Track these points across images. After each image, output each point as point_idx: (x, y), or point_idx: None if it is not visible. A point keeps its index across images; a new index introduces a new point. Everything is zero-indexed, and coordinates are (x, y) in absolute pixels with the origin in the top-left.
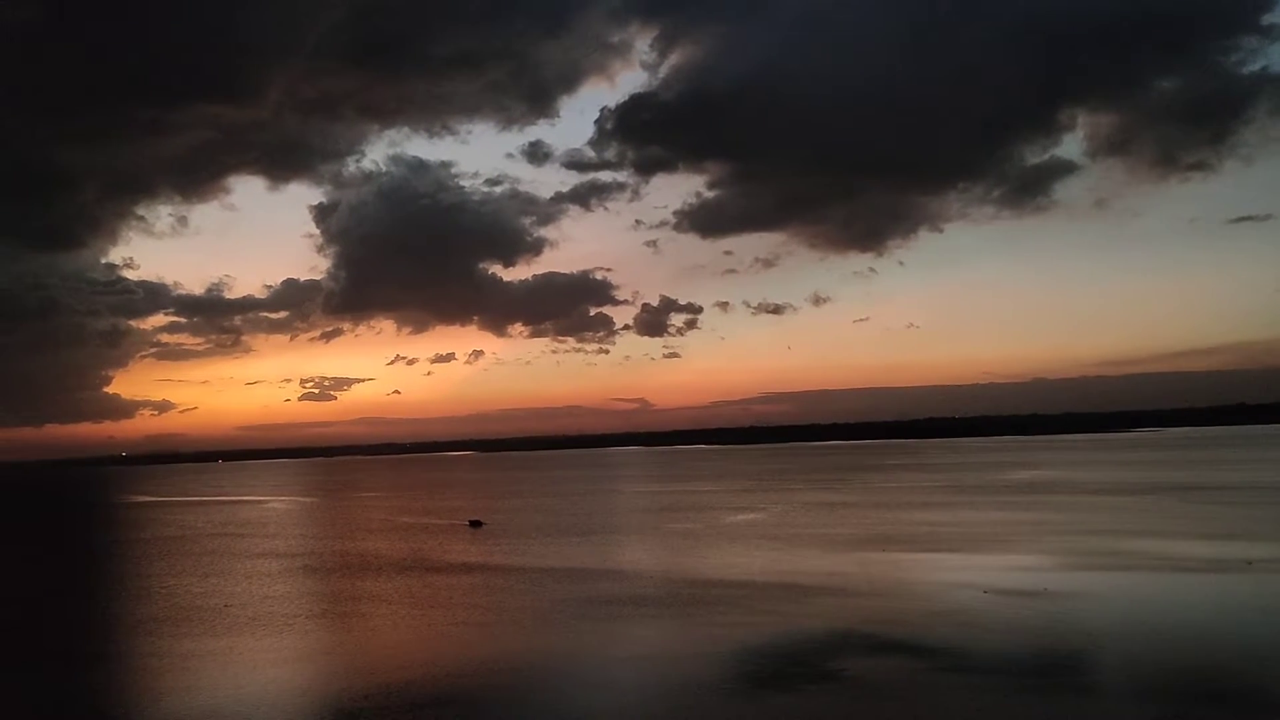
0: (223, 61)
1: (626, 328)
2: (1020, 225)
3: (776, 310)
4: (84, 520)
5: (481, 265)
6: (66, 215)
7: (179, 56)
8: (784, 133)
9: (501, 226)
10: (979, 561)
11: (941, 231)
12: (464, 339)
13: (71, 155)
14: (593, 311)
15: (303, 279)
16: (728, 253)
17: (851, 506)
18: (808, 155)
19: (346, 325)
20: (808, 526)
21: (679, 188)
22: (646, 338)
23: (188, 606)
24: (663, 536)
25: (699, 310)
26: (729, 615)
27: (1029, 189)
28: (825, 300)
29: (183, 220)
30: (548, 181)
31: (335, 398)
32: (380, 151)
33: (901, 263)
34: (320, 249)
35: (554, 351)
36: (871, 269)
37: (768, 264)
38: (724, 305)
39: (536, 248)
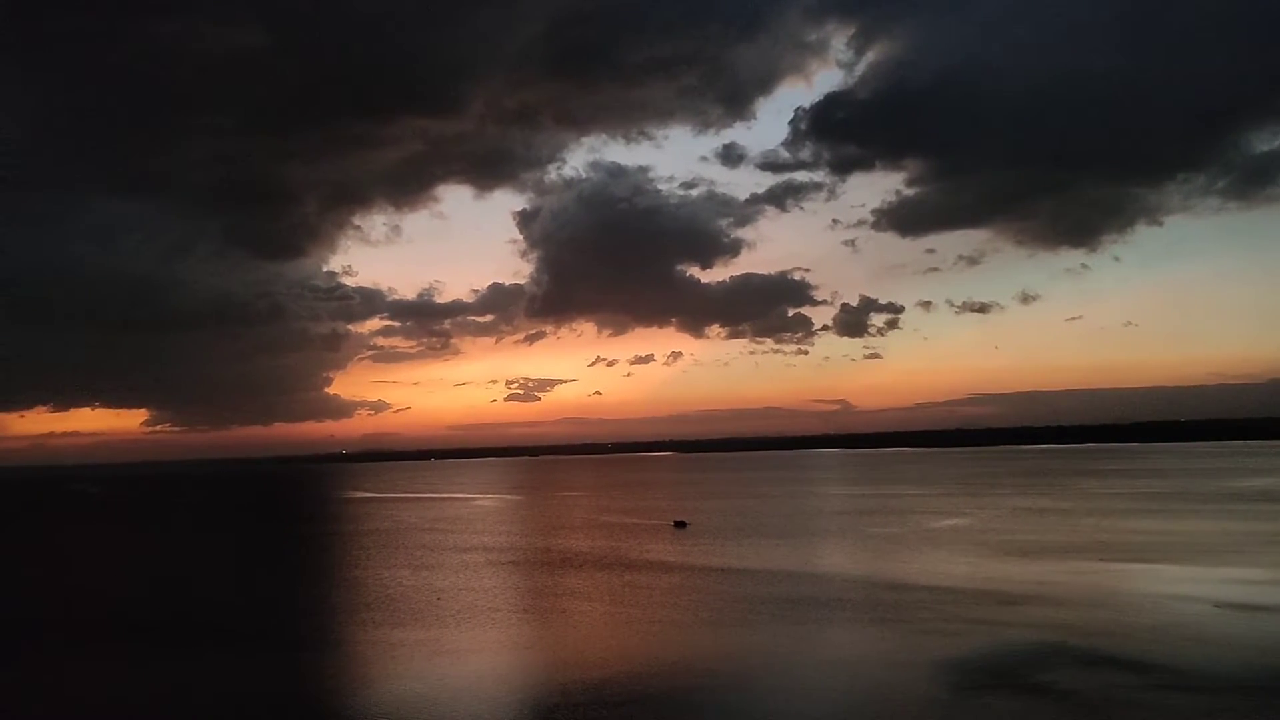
0: (428, 78)
1: (825, 328)
2: (1248, 217)
3: (982, 309)
4: (308, 514)
5: (679, 267)
6: (290, 227)
7: (388, 75)
8: (986, 126)
9: (698, 229)
10: (1207, 574)
11: (1161, 225)
12: (663, 340)
13: (294, 171)
14: (791, 312)
15: (507, 283)
16: (930, 251)
17: (1064, 513)
18: (1012, 149)
19: (549, 328)
20: (1017, 533)
21: (877, 186)
22: (846, 338)
23: (400, 598)
24: (864, 540)
25: (900, 310)
26: (932, 622)
27: (1257, 178)
28: (1034, 298)
29: (396, 229)
30: (743, 183)
31: (539, 398)
32: (579, 158)
33: (1117, 258)
34: (523, 254)
35: (752, 353)
36: (1084, 265)
37: (972, 262)
38: (926, 305)
39: (733, 249)
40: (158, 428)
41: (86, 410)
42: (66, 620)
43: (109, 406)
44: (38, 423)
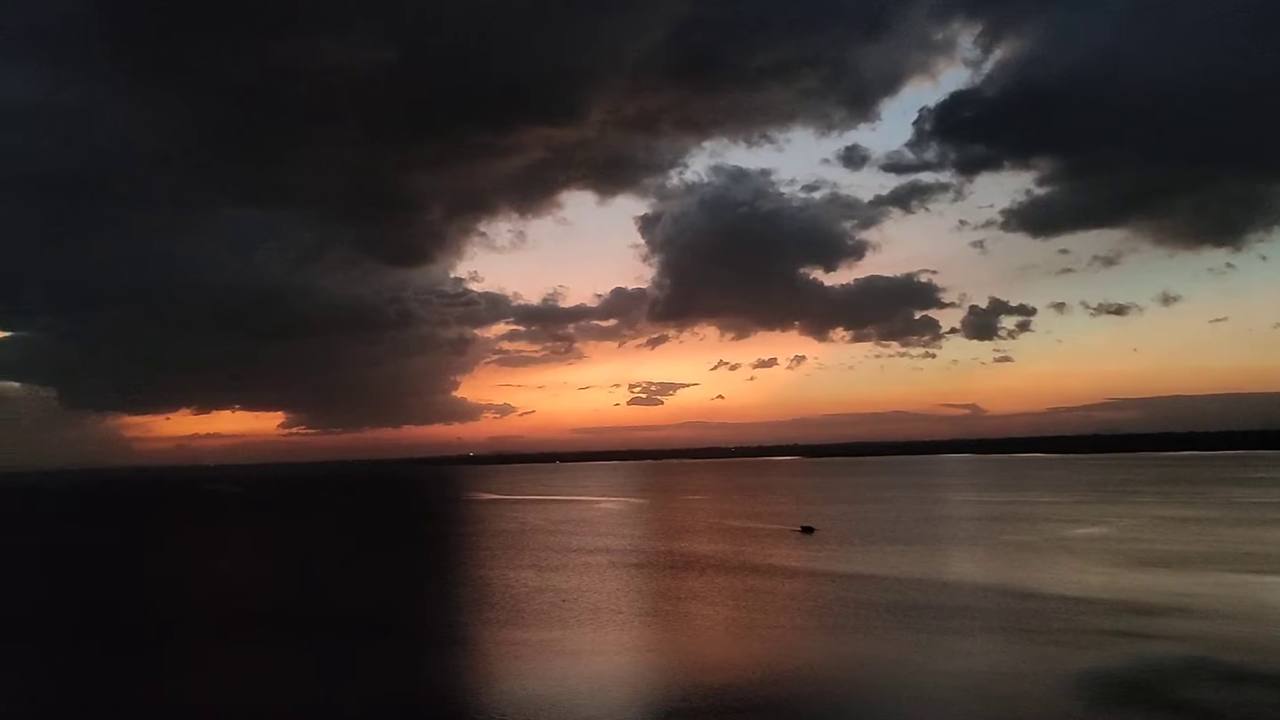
0: (550, 87)
1: (954, 331)
2: None
3: (1119, 311)
4: (436, 514)
5: (802, 270)
6: (418, 234)
7: (510, 85)
8: (1121, 123)
9: (821, 231)
10: None
11: None
12: (785, 344)
13: (420, 180)
14: (917, 315)
15: (630, 288)
16: (1063, 251)
17: (1208, 522)
18: (1149, 146)
19: (671, 331)
20: (1157, 542)
21: (1005, 186)
22: (975, 341)
23: (525, 598)
24: (995, 548)
25: (1032, 312)
26: (1066, 634)
27: None
28: (1175, 299)
29: (520, 235)
30: (866, 185)
31: (661, 402)
32: (701, 162)
33: (1264, 257)
34: (645, 258)
35: (877, 356)
36: (1229, 265)
37: (1108, 262)
38: (1060, 306)
39: (857, 251)
40: (293, 430)
41: (227, 413)
42: (212, 610)
43: (248, 409)
44: (182, 425)
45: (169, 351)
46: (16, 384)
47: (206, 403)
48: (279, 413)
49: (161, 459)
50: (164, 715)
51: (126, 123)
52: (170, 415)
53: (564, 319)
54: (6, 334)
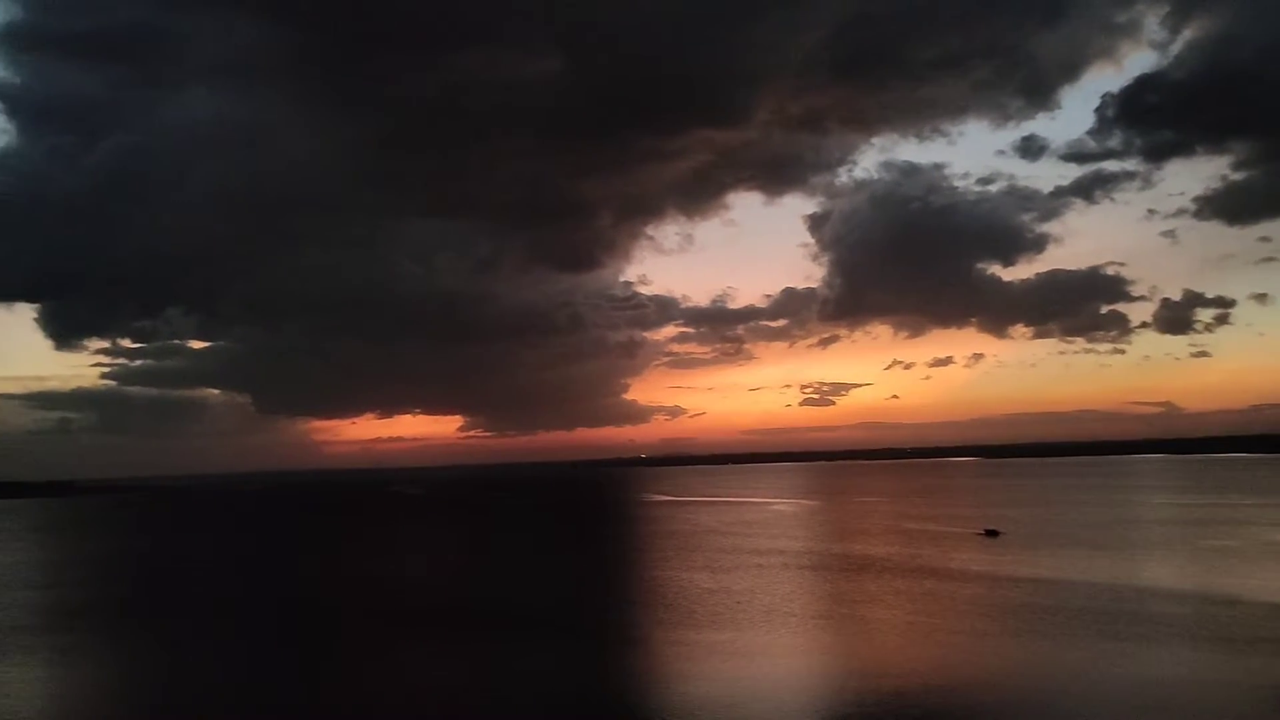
0: (714, 90)
1: (1144, 325)
2: None
3: None
4: (610, 515)
5: (979, 266)
6: (588, 240)
7: (676, 90)
8: None
9: (998, 225)
10: None
11: None
12: (962, 342)
13: (590, 187)
14: (1104, 309)
15: (800, 287)
16: (1264, 239)
17: None
18: None
19: (843, 331)
20: None
21: (1198, 172)
22: (1168, 336)
23: (697, 598)
24: (1193, 552)
25: (1231, 304)
26: (1273, 644)
27: None
28: None
29: (688, 238)
30: (1045, 176)
31: (834, 403)
32: (870, 159)
33: None
34: (815, 257)
35: (1061, 353)
36: None
37: None
38: (1262, 298)
39: (1038, 245)
40: (471, 433)
41: (408, 417)
42: (396, 606)
43: (428, 413)
44: (366, 429)
45: (354, 358)
46: (216, 391)
47: (390, 407)
48: (457, 416)
49: (348, 462)
50: (352, 706)
51: (315, 141)
52: (356, 420)
53: (733, 320)
54: (206, 344)
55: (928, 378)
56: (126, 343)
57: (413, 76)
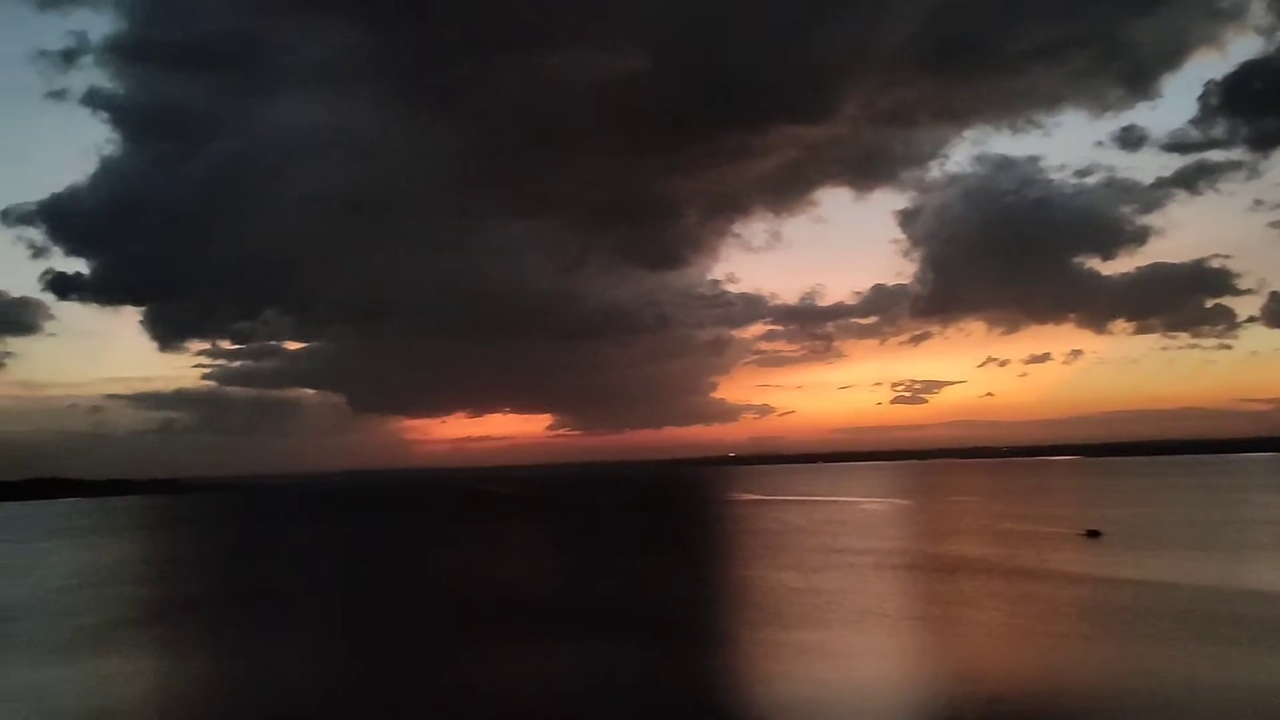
0: (801, 85)
1: (1252, 320)
2: None
3: None
4: (698, 514)
5: (1076, 259)
6: (674, 238)
7: (761, 86)
8: None
9: (1096, 218)
10: None
11: None
12: (1060, 338)
13: (676, 184)
14: (1209, 303)
15: (890, 284)
16: None
17: None
18: None
19: (935, 328)
20: None
21: None
22: (1278, 330)
23: (787, 598)
24: None
25: None
26: None
27: None
28: None
29: (776, 235)
30: (1146, 167)
31: (926, 401)
32: (963, 152)
33: None
34: (906, 253)
35: (1164, 349)
36: None
37: None
38: None
39: (1139, 237)
40: (560, 432)
41: (498, 416)
42: (485, 605)
43: (517, 412)
44: (457, 428)
45: (445, 358)
46: (311, 391)
47: (479, 407)
48: (546, 415)
49: (439, 460)
50: (444, 701)
51: (407, 145)
52: (446, 419)
53: (822, 318)
54: (302, 345)
55: (1024, 375)
56: (226, 344)
57: (501, 79)
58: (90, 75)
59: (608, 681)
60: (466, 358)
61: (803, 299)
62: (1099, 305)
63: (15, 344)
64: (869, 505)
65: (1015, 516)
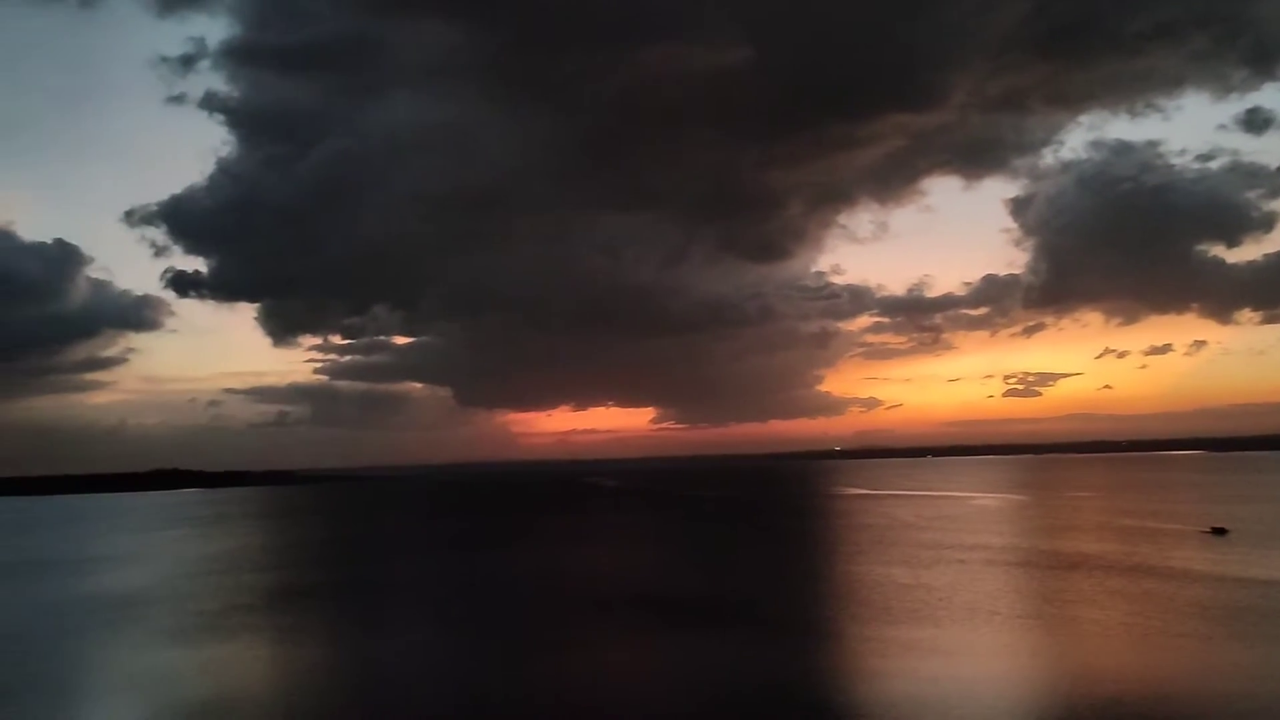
0: (907, 74)
1: None
2: None
3: None
4: (804, 509)
5: (1199, 247)
6: (778, 230)
7: (866, 75)
8: None
9: (1220, 204)
10: None
11: None
12: (1182, 328)
13: (779, 176)
14: None
15: (1001, 274)
16: None
17: None
18: None
19: (1049, 319)
20: None
21: None
22: None
23: (895, 594)
24: None
25: None
26: None
27: None
28: None
29: (882, 225)
30: (1272, 150)
31: (1040, 393)
32: (1078, 138)
33: None
34: (1018, 242)
35: None
36: None
37: None
38: None
39: (1266, 224)
40: (663, 425)
41: (602, 409)
42: (591, 595)
43: (621, 406)
44: (561, 421)
45: (549, 352)
46: (419, 385)
47: (584, 400)
48: (650, 408)
49: (544, 453)
50: (551, 689)
51: (510, 141)
52: (551, 412)
53: (930, 309)
54: (409, 339)
55: (1144, 366)
56: (337, 339)
57: (604, 73)
58: (207, 79)
59: (716, 673)
60: (570, 352)
61: (910, 290)
62: (1223, 294)
63: (139, 340)
64: (980, 500)
65: (1135, 513)
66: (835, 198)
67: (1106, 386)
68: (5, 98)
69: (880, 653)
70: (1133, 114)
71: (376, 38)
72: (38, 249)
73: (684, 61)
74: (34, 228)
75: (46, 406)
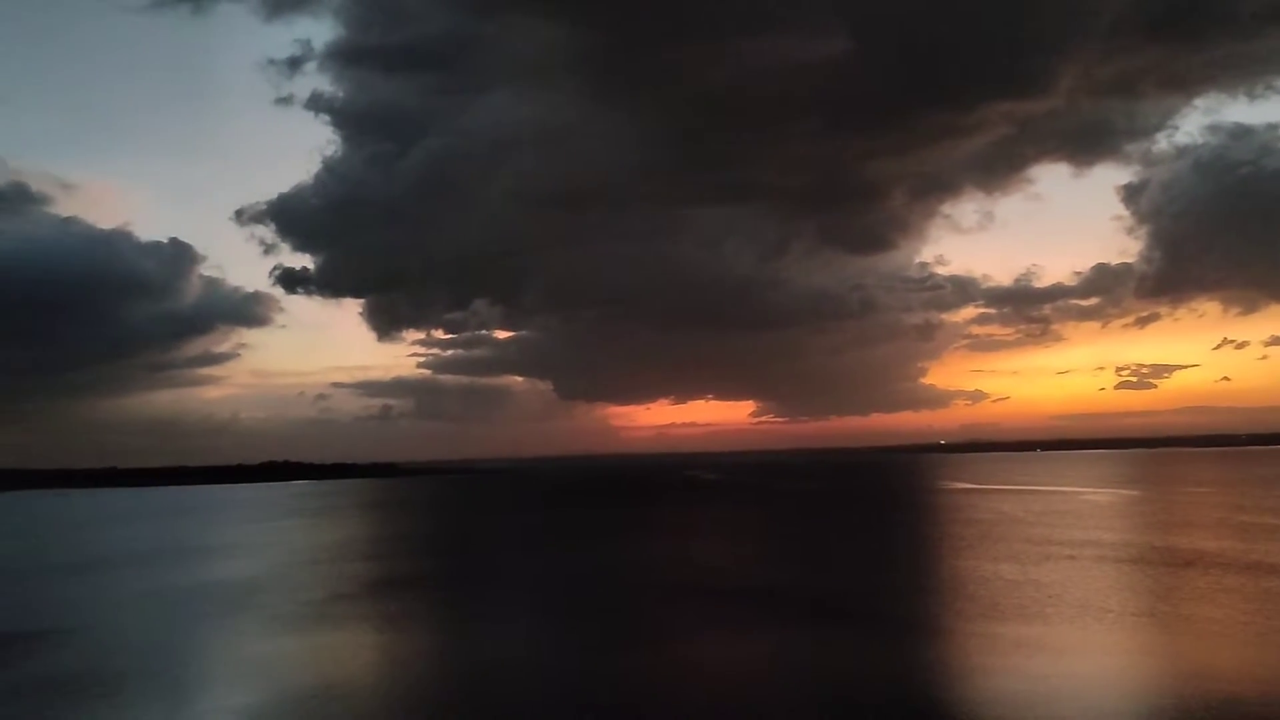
0: (1012, 60)
1: None
2: None
3: None
4: (906, 503)
5: None
6: (879, 221)
7: (970, 63)
8: None
9: None
10: None
11: None
12: None
13: (880, 166)
14: None
15: (1113, 263)
16: None
17: None
18: None
19: (1163, 309)
20: None
21: None
22: None
23: (1001, 590)
24: None
25: None
26: None
27: None
28: None
29: (988, 215)
30: None
31: (1154, 386)
32: (1193, 122)
33: None
34: (1130, 231)
35: None
36: None
37: None
38: None
39: None
40: (763, 418)
41: (701, 403)
42: (690, 588)
43: (720, 399)
44: (661, 415)
45: (648, 346)
46: (520, 378)
47: (683, 393)
48: (750, 402)
49: (643, 446)
50: (650, 679)
51: (609, 136)
52: (650, 405)
53: (1039, 300)
54: (510, 334)
55: (1264, 357)
56: (439, 334)
57: (703, 67)
58: (313, 80)
59: (818, 667)
60: (669, 345)
61: (1017, 280)
62: None
63: (250, 336)
64: (1092, 495)
65: (1257, 508)
66: (939, 187)
67: (1224, 378)
68: (124, 103)
69: (987, 649)
70: (1251, 96)
71: (477, 36)
72: (154, 248)
73: (783, 53)
74: (150, 227)
75: (163, 400)
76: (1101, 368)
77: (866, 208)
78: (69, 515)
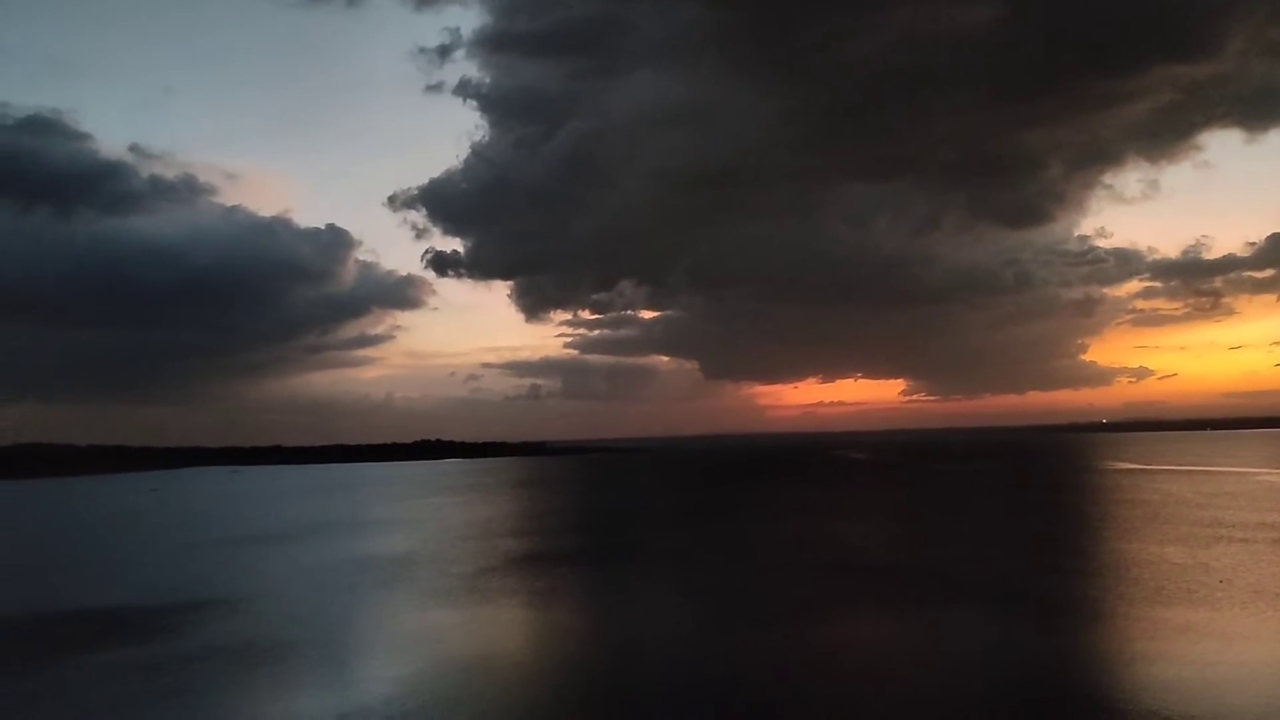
0: (1177, 22)
1: None
2: None
3: None
4: (1065, 483)
5: None
6: (1035, 193)
7: (1131, 26)
8: None
9: None
10: None
11: None
12: None
13: (1036, 137)
14: None
15: None
16: None
17: None
18: None
19: None
20: None
21: None
22: None
23: (1168, 574)
24: None
25: None
26: None
27: None
28: None
29: (1153, 184)
30: None
31: None
32: None
33: None
34: None
35: None
36: None
37: None
38: None
39: None
40: (914, 397)
41: (849, 381)
42: (839, 567)
43: (869, 378)
44: (808, 393)
45: (795, 324)
46: (665, 358)
47: (831, 372)
48: (900, 380)
49: (790, 426)
50: (796, 653)
51: (752, 114)
52: (798, 384)
53: (1209, 272)
54: (656, 314)
55: None
56: (586, 314)
57: (847, 40)
58: (462, 67)
59: (972, 649)
60: (817, 324)
61: (1186, 252)
62: None
63: (404, 318)
64: (1268, 477)
65: None
66: (1099, 157)
67: None
68: (283, 94)
69: (1151, 634)
70: None
71: (618, 18)
72: (313, 234)
73: (931, 21)
74: (309, 214)
75: (322, 381)
76: (1277, 342)
77: (1022, 180)
78: (239, 490)
